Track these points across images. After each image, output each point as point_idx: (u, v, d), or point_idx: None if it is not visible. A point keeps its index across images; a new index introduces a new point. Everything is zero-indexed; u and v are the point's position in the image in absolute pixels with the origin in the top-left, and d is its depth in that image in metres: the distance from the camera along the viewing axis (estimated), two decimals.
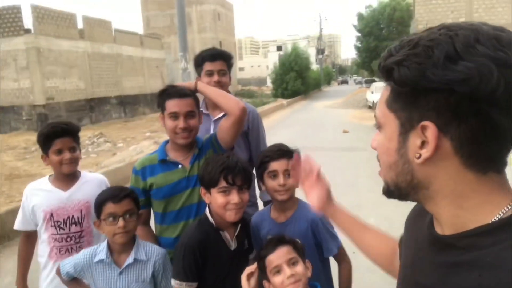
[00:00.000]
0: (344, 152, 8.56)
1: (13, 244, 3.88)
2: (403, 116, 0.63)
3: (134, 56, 24.66)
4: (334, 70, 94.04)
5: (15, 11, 17.40)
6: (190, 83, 1.94)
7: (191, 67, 12.01)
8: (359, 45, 38.39)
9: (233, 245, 1.60)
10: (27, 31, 17.45)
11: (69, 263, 1.71)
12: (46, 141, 1.91)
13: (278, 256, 1.41)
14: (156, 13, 37.62)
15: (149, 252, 1.71)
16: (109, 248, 1.68)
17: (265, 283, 1.43)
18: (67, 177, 1.98)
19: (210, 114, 2.29)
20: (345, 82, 76.18)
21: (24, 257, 2.07)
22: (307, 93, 33.89)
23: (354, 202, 5.39)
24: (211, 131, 2.18)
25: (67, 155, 1.91)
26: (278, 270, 1.41)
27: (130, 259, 1.66)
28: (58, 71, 18.28)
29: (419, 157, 0.61)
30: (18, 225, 2.02)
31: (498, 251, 0.56)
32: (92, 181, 2.06)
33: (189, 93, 1.88)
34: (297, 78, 30.98)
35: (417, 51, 0.59)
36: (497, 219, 0.59)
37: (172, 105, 1.80)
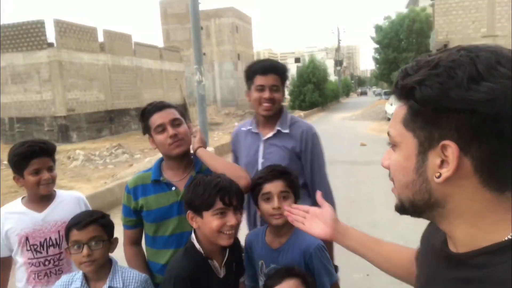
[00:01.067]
0: (360, 166, 8.36)
1: None
2: (422, 135, 0.63)
3: (153, 69, 25.06)
4: (352, 81, 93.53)
5: (39, 25, 17.95)
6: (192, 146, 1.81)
7: (206, 79, 12.13)
8: (378, 57, 38.08)
9: (221, 272, 1.49)
10: (50, 44, 17.95)
11: None
12: (22, 161, 1.78)
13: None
14: (175, 26, 38.29)
15: (127, 279, 1.60)
16: (85, 275, 1.58)
17: None
18: (42, 198, 1.85)
19: (260, 132, 2.07)
20: (364, 93, 76.38)
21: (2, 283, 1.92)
22: (325, 105, 33.72)
23: (369, 219, 5.21)
24: (260, 151, 2.03)
25: (45, 175, 1.79)
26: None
27: (105, 287, 1.55)
28: (79, 84, 18.71)
29: (439, 177, 0.62)
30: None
31: (509, 267, 0.57)
32: (68, 199, 1.94)
33: (168, 104, 1.81)
34: (314, 90, 30.93)
35: (439, 71, 0.59)
36: (510, 237, 0.60)
37: (156, 119, 1.73)
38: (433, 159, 0.62)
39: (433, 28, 20.62)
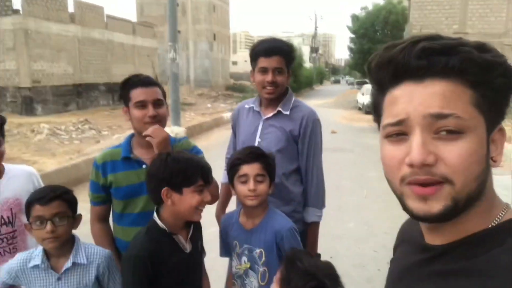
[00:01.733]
0: (329, 153, 8.48)
1: None
2: (490, 118, 0.60)
3: (125, 44, 24.27)
4: (327, 69, 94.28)
5: None
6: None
7: (180, 58, 11.82)
8: (353, 47, 38.49)
9: (187, 247, 1.50)
10: (16, 11, 17.00)
11: (4, 269, 1.55)
12: None
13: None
14: (150, 1, 37.09)
15: (91, 255, 1.56)
16: (45, 252, 1.52)
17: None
18: None
19: (261, 112, 2.03)
20: (337, 81, 77.86)
21: None
22: (299, 91, 33.89)
23: (335, 205, 5.34)
24: (258, 131, 2.00)
25: None
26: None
27: (68, 264, 1.51)
28: (46, 54, 17.88)
29: (495, 161, 0.60)
30: None
31: (492, 257, 0.56)
32: (19, 174, 1.83)
33: (154, 81, 1.76)
34: None
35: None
36: (494, 224, 0.60)
37: (138, 93, 1.68)
38: (491, 143, 0.61)
39: (408, 21, 20.99)
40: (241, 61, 66.72)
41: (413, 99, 0.60)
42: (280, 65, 1.92)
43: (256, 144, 1.98)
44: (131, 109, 1.70)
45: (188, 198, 1.42)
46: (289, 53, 1.96)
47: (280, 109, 1.98)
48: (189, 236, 1.52)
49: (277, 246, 1.60)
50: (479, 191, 0.60)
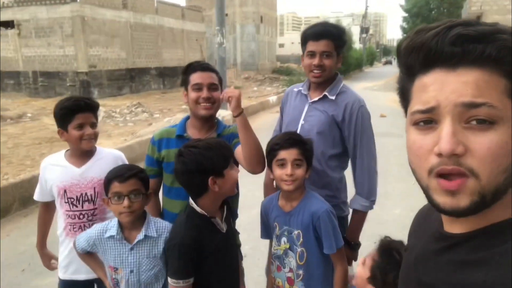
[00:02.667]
0: (377, 138, 8.26)
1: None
2: None
3: (175, 28, 24.81)
4: (378, 50, 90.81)
5: None
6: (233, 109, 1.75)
7: (227, 41, 11.90)
8: (405, 26, 36.67)
9: (224, 227, 1.59)
10: None
11: (83, 237, 1.74)
12: (67, 115, 1.85)
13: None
14: None
15: (160, 229, 1.71)
16: (120, 224, 1.69)
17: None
18: (83, 153, 1.93)
19: (308, 95, 2.06)
20: (389, 62, 74.76)
21: (41, 224, 2.10)
22: (347, 74, 33.03)
23: (381, 191, 5.22)
24: (303, 113, 2.03)
25: (88, 130, 1.86)
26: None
27: (140, 236, 1.66)
28: (101, 40, 18.74)
29: None
30: (36, 196, 2.04)
31: (507, 249, 0.55)
32: (107, 157, 2.01)
33: (212, 68, 1.92)
34: None
35: None
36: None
37: (196, 77, 1.85)
38: None
39: None
40: (288, 43, 65.92)
41: (444, 87, 0.58)
42: (328, 49, 1.91)
43: (299, 126, 2.01)
44: (189, 92, 1.86)
45: (229, 177, 1.52)
46: (338, 36, 1.94)
47: (326, 93, 1.98)
48: (224, 217, 1.60)
49: (313, 227, 1.65)
50: (507, 184, 0.58)
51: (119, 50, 20.13)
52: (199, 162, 1.47)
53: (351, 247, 2.00)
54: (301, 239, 1.67)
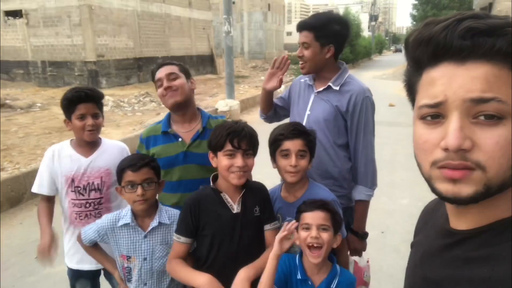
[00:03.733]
0: (386, 127, 8.26)
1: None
2: None
3: (182, 17, 24.69)
4: (387, 38, 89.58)
5: None
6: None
7: (234, 30, 11.84)
8: (415, 13, 36.07)
9: (235, 208, 1.60)
10: None
11: (92, 228, 1.76)
12: (69, 105, 1.89)
13: (313, 217, 1.51)
14: None
15: (172, 216, 1.75)
16: (133, 212, 1.72)
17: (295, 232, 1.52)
18: (89, 143, 1.97)
19: (314, 86, 2.09)
20: (399, 50, 74.48)
21: (44, 215, 1.99)
22: (356, 62, 32.69)
23: (389, 180, 5.26)
24: (309, 103, 2.06)
25: (89, 121, 1.89)
26: (307, 228, 1.51)
27: (154, 223, 1.70)
28: (108, 29, 18.72)
29: None
30: (37, 188, 2.00)
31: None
32: (113, 148, 2.06)
33: (170, 62, 1.96)
34: (345, 46, 29.81)
35: None
36: None
37: (157, 75, 1.91)
38: None
39: None
40: (296, 31, 64.82)
41: (453, 81, 0.57)
42: (306, 40, 1.95)
43: (305, 117, 2.05)
44: (157, 91, 1.93)
45: (220, 161, 1.56)
46: (319, 27, 1.94)
47: (330, 84, 1.99)
48: (239, 199, 1.61)
49: None
50: None
51: (127, 39, 20.12)
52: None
53: (360, 237, 2.02)
54: None
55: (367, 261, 2.15)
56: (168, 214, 1.75)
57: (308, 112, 2.05)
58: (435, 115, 0.60)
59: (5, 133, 8.27)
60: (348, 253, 1.96)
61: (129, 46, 20.35)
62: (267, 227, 1.65)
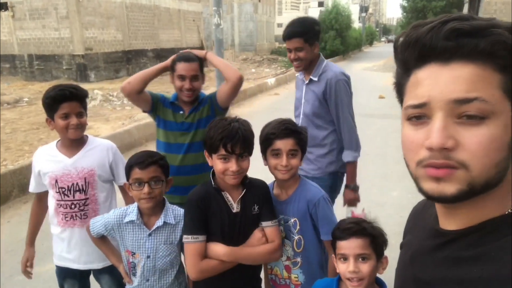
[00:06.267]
0: (376, 119, 8.30)
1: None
2: None
3: (171, 8, 24.41)
4: (377, 29, 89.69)
5: None
6: (201, 52, 2.38)
7: (224, 22, 11.72)
8: (405, 5, 36.11)
9: (235, 207, 1.59)
10: None
11: (100, 221, 1.75)
12: (52, 104, 1.83)
13: (349, 246, 1.37)
14: None
15: (178, 216, 1.73)
16: (139, 210, 1.70)
17: (333, 257, 1.48)
18: (73, 142, 1.92)
19: (304, 79, 2.58)
20: (391, 41, 75.42)
21: (34, 216, 2.10)
22: (346, 54, 32.71)
23: (380, 172, 5.30)
24: (303, 93, 2.57)
25: (73, 120, 1.84)
26: (344, 258, 1.39)
27: (159, 222, 1.69)
28: (96, 22, 18.45)
29: None
30: (32, 187, 2.04)
31: (506, 244, 0.56)
32: (98, 147, 2.01)
33: (195, 58, 2.27)
34: (336, 37, 29.82)
35: None
36: (510, 212, 0.59)
37: (181, 68, 2.22)
38: None
39: None
40: (286, 23, 64.73)
41: (437, 82, 0.58)
42: (299, 45, 2.40)
43: (302, 103, 2.56)
44: (175, 78, 2.26)
45: (215, 163, 1.55)
46: (306, 32, 2.40)
47: (311, 77, 2.49)
48: (240, 198, 1.60)
49: (310, 215, 1.65)
50: (499, 177, 0.58)
51: (115, 31, 19.85)
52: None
53: (354, 189, 2.52)
54: (298, 227, 1.67)
55: (363, 210, 2.32)
56: (174, 214, 1.73)
57: (303, 100, 2.57)
58: (420, 115, 0.61)
59: None
60: (346, 206, 2.50)
61: (118, 39, 20.09)
62: (264, 223, 1.63)
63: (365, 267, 1.35)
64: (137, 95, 2.27)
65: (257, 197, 1.64)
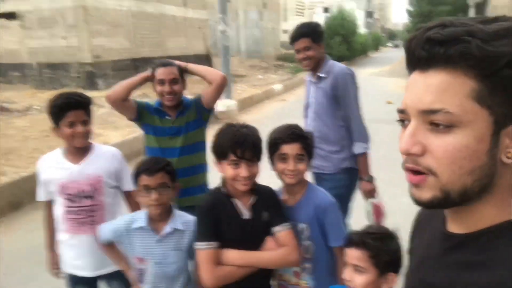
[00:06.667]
0: (384, 125, 8.26)
1: None
2: (500, 113, 0.56)
3: (177, 16, 24.60)
4: (383, 35, 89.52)
5: None
6: (182, 63, 2.55)
7: (230, 29, 11.81)
8: (412, 9, 36.06)
9: (246, 214, 1.60)
10: None
11: (108, 228, 1.77)
12: (58, 112, 1.87)
13: (349, 255, 1.41)
14: None
15: (186, 222, 1.76)
16: (148, 216, 1.72)
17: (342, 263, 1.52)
18: (79, 150, 1.97)
19: (311, 79, 2.81)
20: (397, 46, 76.37)
21: (48, 223, 2.14)
22: (352, 59, 32.68)
23: (387, 178, 5.24)
24: (312, 92, 2.78)
25: (79, 128, 1.88)
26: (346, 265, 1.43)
27: (168, 228, 1.71)
28: (103, 30, 18.64)
29: (508, 158, 0.57)
30: (39, 196, 2.08)
31: (510, 250, 0.56)
32: (104, 154, 2.06)
33: (173, 63, 2.46)
34: (342, 43, 29.83)
35: None
36: None
37: (160, 73, 2.38)
38: (504, 138, 0.57)
39: None
40: (290, 43, 64.38)
41: (413, 89, 0.61)
42: (307, 44, 2.61)
43: (311, 103, 2.77)
44: (155, 84, 2.41)
45: (225, 169, 1.56)
46: (312, 32, 2.62)
47: (318, 74, 2.71)
48: (250, 204, 1.61)
49: (318, 220, 1.66)
50: (481, 185, 0.58)
51: (122, 39, 20.03)
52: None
53: (369, 180, 2.64)
54: (307, 233, 1.68)
55: (376, 201, 2.63)
56: (183, 220, 1.75)
57: (312, 99, 2.77)
58: (403, 120, 0.65)
59: (4, 137, 8.24)
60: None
61: (125, 47, 20.25)
62: (276, 228, 1.62)
63: (359, 279, 1.34)
64: (121, 103, 2.42)
65: (266, 204, 1.65)
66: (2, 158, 6.61)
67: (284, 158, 1.64)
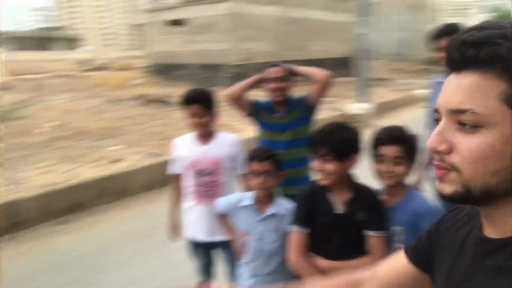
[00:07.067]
0: None
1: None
2: None
3: (320, 20, 24.92)
4: None
5: None
6: (292, 67, 2.72)
7: (374, 31, 11.47)
8: None
9: (339, 209, 1.63)
10: None
11: (223, 202, 2.06)
12: (183, 105, 2.28)
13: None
14: None
15: (286, 209, 1.90)
16: (254, 197, 1.93)
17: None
18: (205, 135, 2.33)
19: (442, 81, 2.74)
20: None
21: (175, 193, 2.51)
22: None
23: None
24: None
25: (196, 119, 2.24)
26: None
27: (270, 211, 1.89)
28: (251, 35, 20.08)
29: None
30: (172, 169, 2.47)
31: None
32: (226, 141, 2.38)
33: (280, 65, 2.70)
34: None
35: None
36: None
37: (269, 73, 2.62)
38: None
39: None
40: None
41: (446, 90, 0.63)
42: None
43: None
44: (266, 84, 2.65)
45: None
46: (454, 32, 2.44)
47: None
48: (345, 200, 1.64)
49: (414, 225, 1.59)
50: (504, 187, 0.58)
51: (268, 43, 21.24)
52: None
53: None
54: (403, 236, 1.62)
55: None
56: (284, 206, 1.91)
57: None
58: (437, 119, 0.66)
59: (164, 125, 9.65)
60: None
61: (270, 50, 21.38)
62: (370, 233, 1.61)
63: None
64: (237, 101, 2.66)
65: (367, 205, 1.64)
66: (163, 143, 7.73)
67: (381, 159, 1.63)
